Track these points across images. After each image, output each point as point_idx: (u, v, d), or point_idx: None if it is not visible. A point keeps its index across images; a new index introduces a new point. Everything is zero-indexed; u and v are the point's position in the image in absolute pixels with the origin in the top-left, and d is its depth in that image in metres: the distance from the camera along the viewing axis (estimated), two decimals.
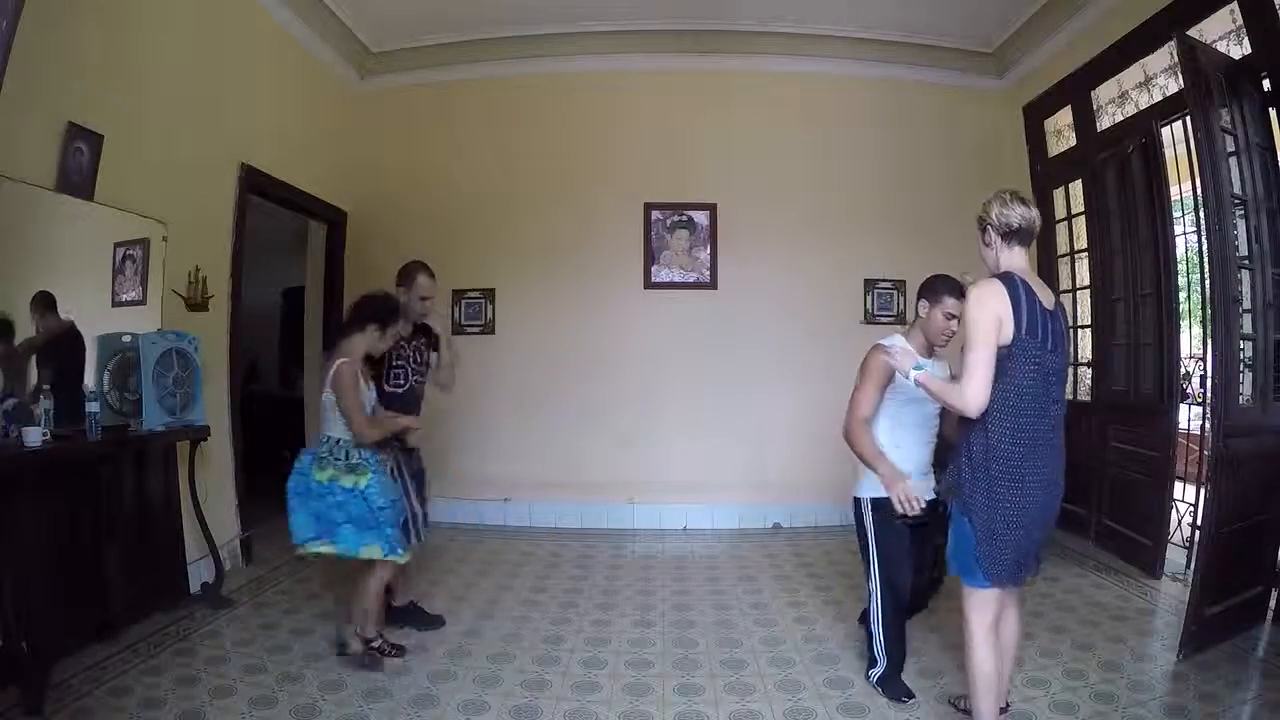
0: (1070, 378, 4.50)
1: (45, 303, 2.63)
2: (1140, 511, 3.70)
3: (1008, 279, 1.87)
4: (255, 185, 3.90)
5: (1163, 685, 2.43)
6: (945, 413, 2.34)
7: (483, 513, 4.81)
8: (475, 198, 4.89)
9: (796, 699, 2.41)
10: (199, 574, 3.32)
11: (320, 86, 4.62)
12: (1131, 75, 3.80)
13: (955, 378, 2.00)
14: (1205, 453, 3.10)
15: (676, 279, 4.84)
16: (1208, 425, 3.16)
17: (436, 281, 3.04)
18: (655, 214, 4.82)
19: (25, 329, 2.56)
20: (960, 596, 1.98)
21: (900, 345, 2.25)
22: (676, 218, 4.83)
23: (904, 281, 4.82)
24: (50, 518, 2.60)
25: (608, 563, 3.98)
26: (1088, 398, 4.33)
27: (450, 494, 4.86)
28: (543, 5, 4.48)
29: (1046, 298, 1.91)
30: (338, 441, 2.56)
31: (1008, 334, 1.82)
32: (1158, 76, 3.66)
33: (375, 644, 2.63)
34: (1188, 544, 3.48)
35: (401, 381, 2.96)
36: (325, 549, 2.54)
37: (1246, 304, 2.73)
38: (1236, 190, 2.71)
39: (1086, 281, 4.30)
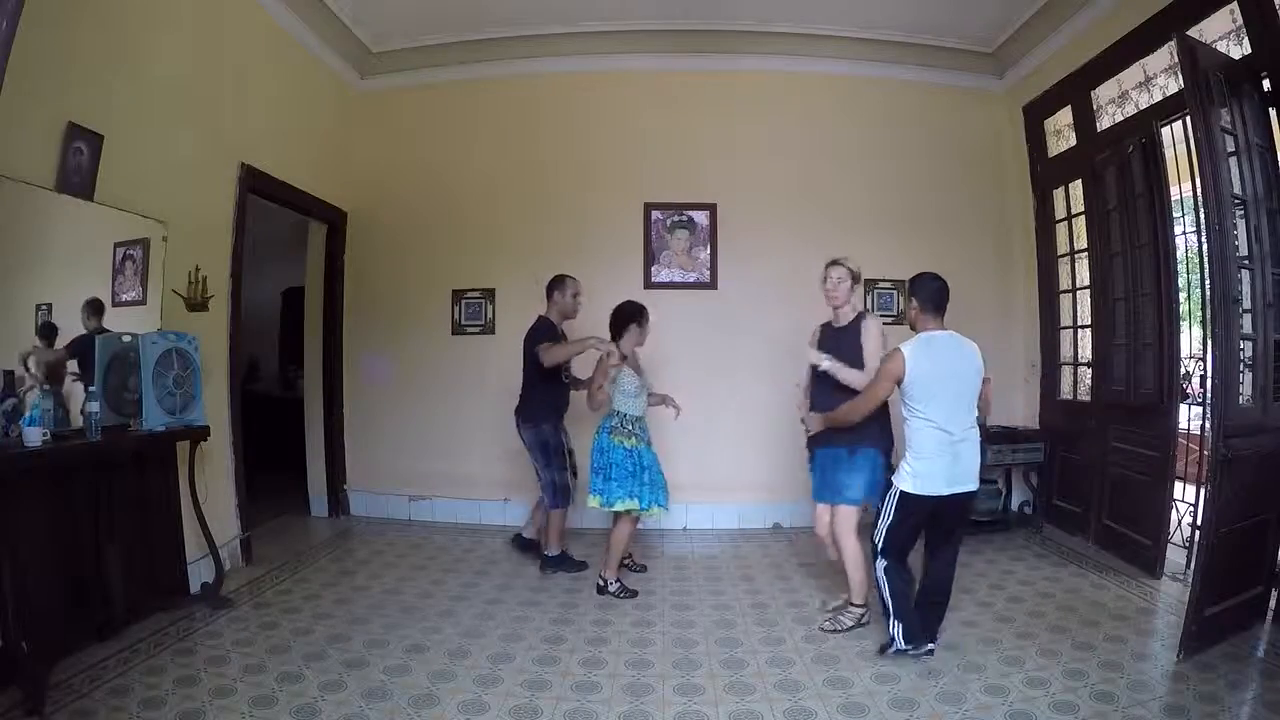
0: (1070, 377, 4.54)
1: (95, 308, 2.83)
2: (1140, 511, 3.70)
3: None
4: (255, 185, 3.90)
5: (1163, 685, 2.43)
6: None
7: (484, 512, 4.82)
8: (475, 198, 4.89)
9: (796, 699, 2.41)
10: (199, 574, 3.32)
11: (320, 86, 4.62)
12: (1131, 75, 3.80)
13: None
14: (1205, 453, 3.10)
15: (676, 279, 4.84)
16: (1208, 425, 3.16)
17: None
18: (655, 214, 4.82)
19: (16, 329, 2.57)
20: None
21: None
22: (676, 218, 4.83)
23: (904, 282, 4.80)
24: (50, 518, 2.60)
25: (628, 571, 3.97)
26: (1088, 397, 4.33)
27: (452, 493, 4.88)
28: (543, 5, 4.48)
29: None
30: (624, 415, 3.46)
31: None
32: (1158, 76, 3.66)
33: (613, 587, 3.43)
34: (1188, 544, 3.48)
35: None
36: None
37: (1246, 304, 2.72)
38: (1236, 190, 2.70)
39: (1086, 281, 4.30)
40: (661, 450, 4.70)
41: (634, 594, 3.44)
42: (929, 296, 2.64)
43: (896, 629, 2.64)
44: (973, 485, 2.60)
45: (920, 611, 2.69)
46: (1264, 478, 2.71)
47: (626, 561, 3.87)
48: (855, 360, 2.97)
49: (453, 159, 4.93)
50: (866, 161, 4.84)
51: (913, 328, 2.70)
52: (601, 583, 3.47)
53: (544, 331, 3.68)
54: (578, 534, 4.47)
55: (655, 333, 4.79)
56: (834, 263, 3.16)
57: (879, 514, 2.70)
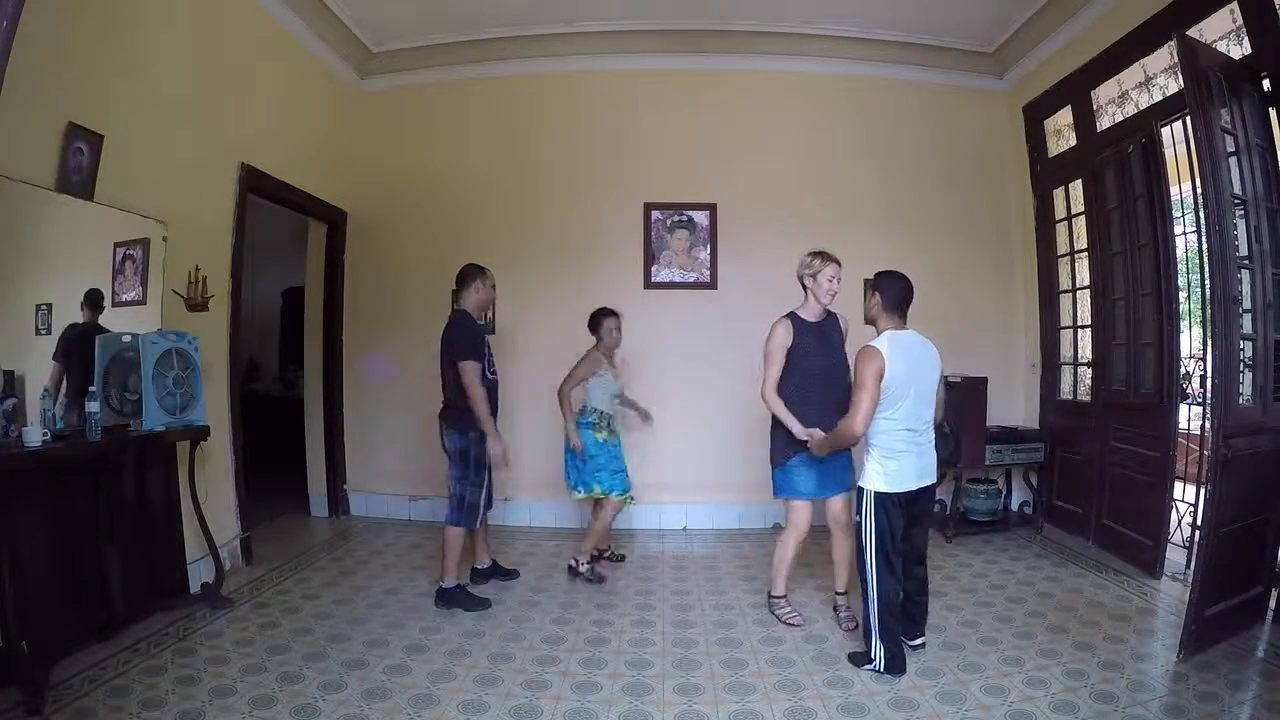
0: (1070, 377, 4.54)
1: (94, 300, 2.81)
2: (1140, 511, 3.70)
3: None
4: (255, 185, 3.90)
5: (1163, 685, 2.43)
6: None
7: None
8: (475, 198, 4.89)
9: (796, 699, 2.41)
10: (199, 574, 3.32)
11: (321, 86, 4.62)
12: (1131, 75, 3.80)
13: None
14: (1205, 453, 3.10)
15: (676, 279, 4.84)
16: (1208, 425, 3.16)
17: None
18: (655, 214, 4.82)
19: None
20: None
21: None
22: (676, 218, 4.83)
23: None
24: (50, 518, 2.60)
25: (608, 563, 3.97)
26: (1088, 398, 4.33)
27: None
28: (543, 5, 4.48)
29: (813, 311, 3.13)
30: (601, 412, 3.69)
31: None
32: (1158, 76, 3.66)
33: (583, 568, 3.64)
34: (1188, 544, 3.48)
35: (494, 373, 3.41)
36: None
37: (1246, 304, 2.72)
38: (1236, 190, 2.70)
39: (1086, 281, 4.30)
40: (662, 450, 4.75)
41: (602, 580, 3.62)
42: (894, 296, 2.62)
43: (879, 653, 2.55)
44: (935, 478, 2.70)
45: (906, 615, 2.69)
46: (1264, 478, 2.71)
47: (607, 553, 3.97)
48: (843, 351, 3.12)
49: (453, 159, 4.93)
50: (866, 161, 4.84)
51: (873, 325, 2.70)
52: (573, 564, 3.67)
53: (469, 334, 3.21)
54: (571, 533, 4.49)
55: (655, 332, 4.84)
56: (835, 259, 3.14)
57: (859, 527, 2.62)
